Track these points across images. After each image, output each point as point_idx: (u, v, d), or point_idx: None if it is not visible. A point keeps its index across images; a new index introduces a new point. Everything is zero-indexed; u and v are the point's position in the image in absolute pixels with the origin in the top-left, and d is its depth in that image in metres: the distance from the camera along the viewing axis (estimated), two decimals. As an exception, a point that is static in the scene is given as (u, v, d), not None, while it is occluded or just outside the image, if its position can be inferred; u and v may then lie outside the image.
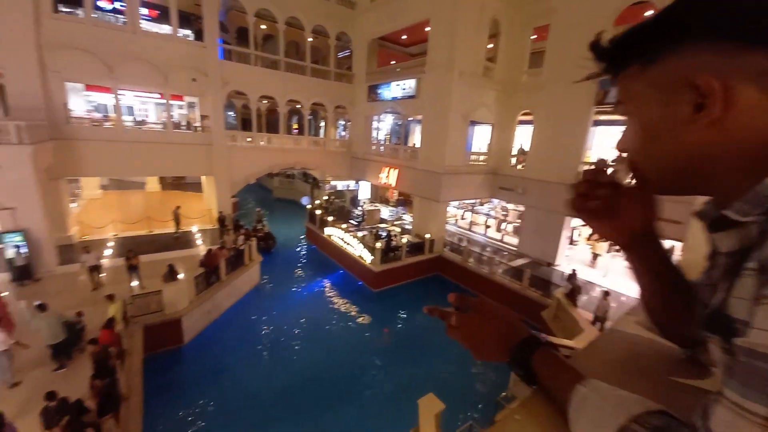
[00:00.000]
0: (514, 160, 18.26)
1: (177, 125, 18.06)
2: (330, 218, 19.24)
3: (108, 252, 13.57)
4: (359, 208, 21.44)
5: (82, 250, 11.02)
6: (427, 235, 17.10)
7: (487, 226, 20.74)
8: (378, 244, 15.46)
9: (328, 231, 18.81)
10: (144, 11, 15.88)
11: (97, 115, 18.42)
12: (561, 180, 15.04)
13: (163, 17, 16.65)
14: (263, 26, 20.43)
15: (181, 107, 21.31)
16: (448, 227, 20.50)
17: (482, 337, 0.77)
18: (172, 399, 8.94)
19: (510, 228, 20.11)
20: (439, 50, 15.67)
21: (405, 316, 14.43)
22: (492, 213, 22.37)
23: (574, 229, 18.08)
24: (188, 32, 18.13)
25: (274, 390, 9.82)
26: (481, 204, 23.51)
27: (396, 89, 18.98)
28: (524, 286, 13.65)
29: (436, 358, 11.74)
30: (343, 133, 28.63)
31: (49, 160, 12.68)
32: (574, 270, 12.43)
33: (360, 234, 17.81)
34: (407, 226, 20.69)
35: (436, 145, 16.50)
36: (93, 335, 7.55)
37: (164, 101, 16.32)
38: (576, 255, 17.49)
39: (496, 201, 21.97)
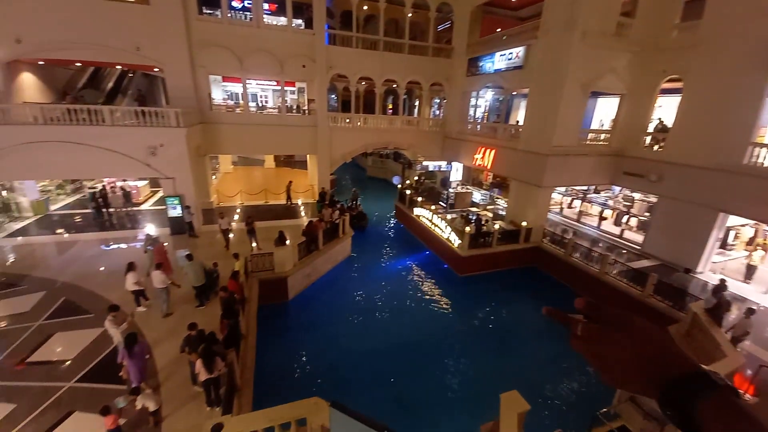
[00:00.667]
0: (648, 140, 14.89)
1: (289, 109, 20.20)
2: (419, 199, 19.20)
3: (235, 217, 16.39)
4: (450, 190, 20.79)
5: (219, 216, 13.36)
6: (524, 223, 15.58)
7: (602, 218, 17.72)
8: (467, 229, 14.81)
9: (417, 211, 18.86)
10: (265, 6, 17.81)
11: (231, 103, 21.90)
12: (716, 165, 11.72)
13: (280, 10, 18.44)
14: (365, 7, 20.80)
15: (292, 92, 23.72)
16: (551, 216, 18.30)
17: (620, 360, 0.64)
18: (278, 343, 10.51)
19: (633, 222, 16.79)
20: (558, 7, 13.47)
21: (491, 306, 13.68)
22: (609, 203, 18.99)
23: (730, 229, 14.05)
24: (300, 21, 19.72)
25: (359, 350, 10.67)
26: (597, 192, 20.16)
27: (500, 60, 17.26)
28: (647, 293, 11.34)
29: (523, 356, 10.88)
30: (437, 112, 27.81)
31: (198, 140, 15.71)
32: (722, 280, 9.74)
33: (449, 216, 17.34)
34: (501, 212, 19.24)
35: (544, 123, 14.58)
36: (224, 283, 9.29)
37: (279, 88, 18.42)
38: (727, 263, 13.66)
39: (617, 189, 18.53)
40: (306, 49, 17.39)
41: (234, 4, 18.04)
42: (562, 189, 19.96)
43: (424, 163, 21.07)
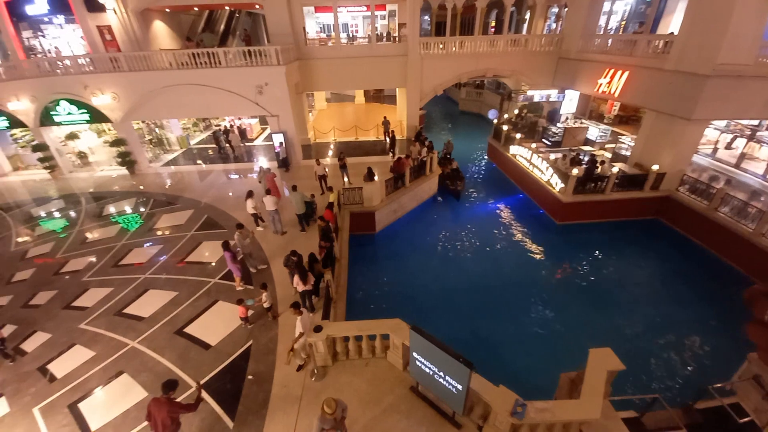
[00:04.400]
0: None
1: (379, 37, 19.07)
2: (518, 135, 17.05)
3: (329, 153, 17.37)
4: (558, 124, 17.80)
5: (316, 162, 13.15)
6: (655, 167, 12.63)
7: (778, 163, 13.15)
8: (575, 171, 12.78)
9: (513, 150, 16.95)
10: None
11: (323, 36, 21.73)
12: None
13: None
14: None
15: (383, 18, 22.10)
16: (696, 158, 14.38)
17: None
18: (366, 268, 11.56)
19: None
20: None
21: (594, 258, 12.16)
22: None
23: None
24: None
25: (440, 286, 11.02)
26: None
27: (657, -61, 12.55)
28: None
29: (627, 316, 9.67)
30: (552, 26, 22.81)
31: (296, 77, 16.36)
32: None
33: (552, 156, 15.12)
34: (624, 152, 15.88)
35: (708, 31, 10.61)
36: (321, 213, 10.27)
37: (369, 13, 17.27)
38: None
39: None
40: None
41: None
42: (722, 123, 15.14)
43: (529, 92, 18.14)
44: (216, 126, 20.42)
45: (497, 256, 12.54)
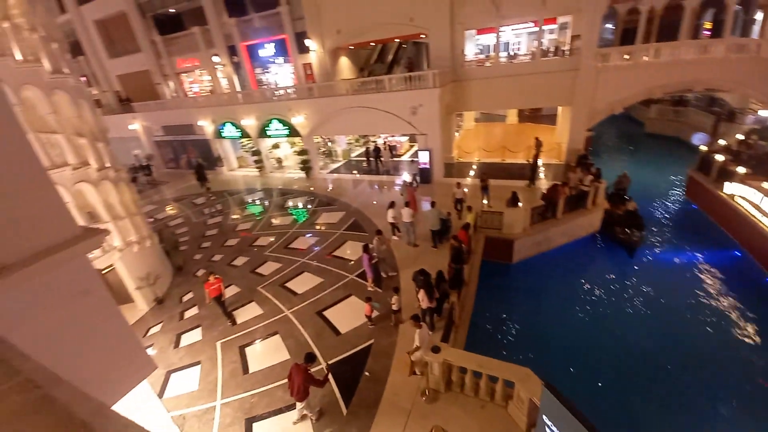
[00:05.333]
0: None
1: (545, 53, 17.62)
2: (741, 170, 12.40)
3: (471, 173, 17.00)
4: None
5: (456, 185, 12.71)
6: None
7: None
8: None
9: (731, 188, 12.43)
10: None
11: (481, 56, 21.70)
12: None
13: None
14: None
15: (551, 31, 20.37)
16: None
17: None
18: (495, 299, 10.57)
19: None
20: None
21: None
22: None
23: None
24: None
25: (581, 336, 9.08)
26: None
27: None
28: None
29: None
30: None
31: (448, 98, 16.87)
32: None
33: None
34: None
35: None
36: (455, 233, 10.04)
37: (537, 29, 16.20)
38: None
39: None
40: None
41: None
42: None
43: (762, 113, 13.03)
44: (372, 142, 23.14)
45: (688, 325, 9.33)
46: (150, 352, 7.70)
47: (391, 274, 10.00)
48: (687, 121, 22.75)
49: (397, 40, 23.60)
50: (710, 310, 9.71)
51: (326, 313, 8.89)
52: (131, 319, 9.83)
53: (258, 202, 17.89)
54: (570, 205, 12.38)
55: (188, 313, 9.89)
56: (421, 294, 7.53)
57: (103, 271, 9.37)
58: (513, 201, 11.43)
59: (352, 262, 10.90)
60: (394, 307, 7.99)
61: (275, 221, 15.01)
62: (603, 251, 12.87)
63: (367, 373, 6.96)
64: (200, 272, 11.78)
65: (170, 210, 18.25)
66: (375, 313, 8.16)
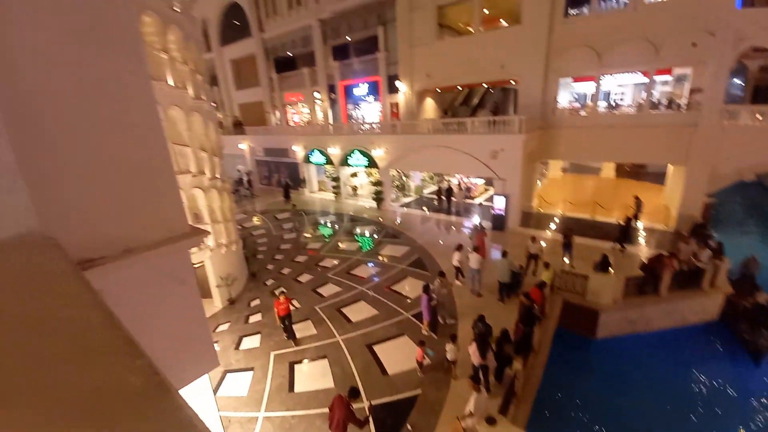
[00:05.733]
0: None
1: (655, 105, 15.87)
2: None
3: (552, 226, 15.56)
4: None
5: (530, 239, 11.49)
6: None
7: None
8: None
9: None
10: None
11: (576, 105, 20.53)
12: None
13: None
14: None
15: (664, 83, 18.43)
16: None
17: None
18: (569, 376, 9.01)
19: None
20: None
21: None
22: None
23: None
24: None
25: None
26: None
27: None
28: None
29: None
30: None
31: (534, 145, 16.10)
32: None
33: None
34: None
35: None
36: (527, 289, 9.07)
37: (646, 80, 14.81)
38: None
39: None
40: (700, 20, 12.63)
41: (608, -7, 16.22)
42: None
43: None
44: (446, 181, 23.06)
45: None
46: (216, 347, 8.32)
47: (450, 321, 9.35)
48: None
49: (485, 85, 23.85)
50: None
51: (376, 348, 8.60)
52: (207, 314, 10.84)
53: (329, 224, 18.91)
54: (679, 282, 10.30)
55: (252, 318, 10.55)
56: (473, 348, 6.81)
57: (195, 266, 10.69)
58: (602, 265, 9.95)
59: (410, 300, 10.54)
60: (449, 357, 7.36)
61: (342, 245, 15.57)
62: (718, 348, 10.21)
63: (409, 427, 6.38)
64: (269, 281, 12.65)
65: (256, 221, 20.37)
66: (427, 361, 7.60)
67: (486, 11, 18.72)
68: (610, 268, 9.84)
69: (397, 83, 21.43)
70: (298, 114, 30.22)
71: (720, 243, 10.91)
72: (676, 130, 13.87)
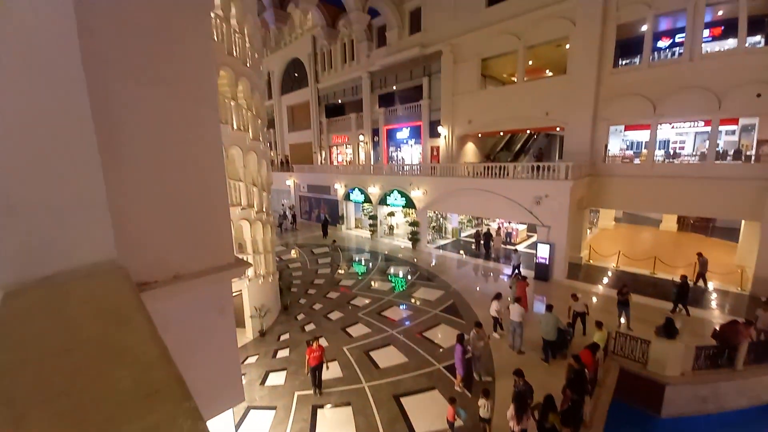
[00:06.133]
0: None
1: (720, 155, 14.67)
2: None
3: (605, 280, 14.23)
4: None
5: (572, 297, 10.40)
6: None
7: None
8: None
9: None
10: (705, 33, 14.13)
11: (629, 152, 19.56)
12: None
13: (727, 32, 13.96)
14: None
15: (729, 133, 17.11)
16: None
17: None
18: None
19: None
20: None
21: None
22: None
23: None
24: (758, 38, 13.86)
25: None
26: None
27: None
28: None
29: None
30: None
31: (582, 193, 15.36)
32: None
33: None
34: None
35: None
36: (577, 351, 8.14)
37: (708, 129, 13.86)
38: None
39: None
40: (765, 71, 11.83)
41: (660, 44, 16.00)
42: None
43: None
44: (486, 225, 22.46)
45: None
46: (243, 380, 8.27)
47: (486, 378, 8.55)
48: None
49: (528, 131, 23.79)
50: None
51: (404, 400, 8.00)
52: (238, 344, 10.98)
53: (363, 262, 18.92)
54: (757, 355, 8.70)
55: (281, 353, 10.46)
56: (511, 410, 6.09)
57: (234, 294, 11.08)
58: (667, 329, 8.72)
59: (442, 350, 9.89)
60: (482, 414, 6.64)
61: (375, 284, 15.38)
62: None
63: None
64: (300, 316, 12.65)
65: (293, 254, 21.01)
66: (458, 422, 6.88)
67: (530, 63, 19.22)
68: (676, 335, 8.60)
69: (439, 128, 22.11)
70: (342, 154, 32.01)
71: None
72: (746, 182, 12.55)
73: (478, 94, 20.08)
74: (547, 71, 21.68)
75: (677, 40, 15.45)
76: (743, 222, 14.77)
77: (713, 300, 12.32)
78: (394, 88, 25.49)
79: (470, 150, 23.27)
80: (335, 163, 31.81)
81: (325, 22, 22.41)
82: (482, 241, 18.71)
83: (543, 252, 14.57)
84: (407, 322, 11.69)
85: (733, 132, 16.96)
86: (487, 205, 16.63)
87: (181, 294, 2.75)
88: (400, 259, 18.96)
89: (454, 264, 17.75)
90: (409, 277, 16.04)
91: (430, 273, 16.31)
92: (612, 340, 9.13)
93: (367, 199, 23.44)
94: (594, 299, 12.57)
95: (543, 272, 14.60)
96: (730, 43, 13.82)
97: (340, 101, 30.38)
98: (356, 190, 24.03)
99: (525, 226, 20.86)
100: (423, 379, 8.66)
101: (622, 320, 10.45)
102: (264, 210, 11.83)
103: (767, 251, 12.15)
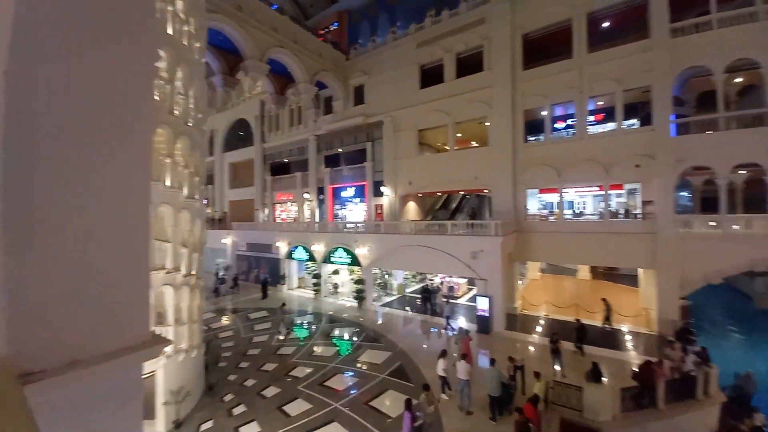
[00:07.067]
0: None
1: (614, 214, 17.57)
2: None
3: (538, 329, 15.09)
4: None
5: (508, 359, 10.50)
6: None
7: None
8: None
9: None
10: (590, 118, 17.86)
11: (544, 212, 22.42)
12: None
13: (608, 117, 17.83)
14: (739, 79, 15.65)
15: (619, 196, 20.76)
16: None
17: None
18: None
19: None
20: None
21: None
22: None
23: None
24: (633, 121, 17.92)
25: None
26: None
27: None
28: None
29: None
30: None
31: (511, 247, 16.87)
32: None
33: None
34: None
35: None
36: (519, 404, 8.20)
37: (602, 193, 16.76)
38: None
39: None
40: (641, 147, 15.14)
41: (557, 125, 19.65)
42: None
43: None
44: (429, 281, 22.97)
45: None
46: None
47: (436, 448, 8.04)
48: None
49: (462, 192, 26.24)
50: None
51: (348, 489, 7.05)
52: (144, 440, 8.97)
53: (306, 325, 17.68)
54: (673, 393, 9.61)
55: (200, 448, 8.75)
56: None
57: (145, 376, 9.32)
58: (594, 374, 9.35)
59: (390, 420, 9.20)
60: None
61: (317, 350, 14.27)
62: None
63: None
64: (228, 396, 10.96)
65: (225, 320, 18.88)
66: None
67: (459, 135, 22.01)
68: (603, 378, 9.22)
69: (382, 188, 23.32)
70: (285, 212, 31.47)
71: (704, 348, 10.66)
72: (637, 237, 15.05)
73: (416, 159, 22.05)
74: (473, 143, 24.92)
75: (570, 123, 19.18)
76: (640, 270, 17.30)
77: (628, 341, 13.66)
78: (340, 150, 26.84)
79: (412, 208, 24.65)
80: (278, 220, 31.02)
81: (274, 90, 23.59)
82: (427, 296, 18.91)
83: (483, 304, 15.18)
84: (353, 391, 10.81)
85: (620, 195, 20.65)
86: (430, 260, 17.26)
87: (76, 382, 2.23)
88: (345, 319, 18.12)
89: (400, 322, 17.47)
90: (355, 338, 15.26)
91: (376, 333, 15.74)
92: (550, 390, 9.42)
93: (311, 258, 22.80)
94: (531, 348, 13.12)
95: (484, 325, 15.04)
96: (611, 126, 17.51)
97: (285, 160, 30.82)
98: (300, 248, 23.37)
99: (465, 280, 21.78)
100: (369, 458, 7.82)
101: (557, 368, 10.95)
102: (193, 273, 10.76)
103: (664, 295, 14.21)
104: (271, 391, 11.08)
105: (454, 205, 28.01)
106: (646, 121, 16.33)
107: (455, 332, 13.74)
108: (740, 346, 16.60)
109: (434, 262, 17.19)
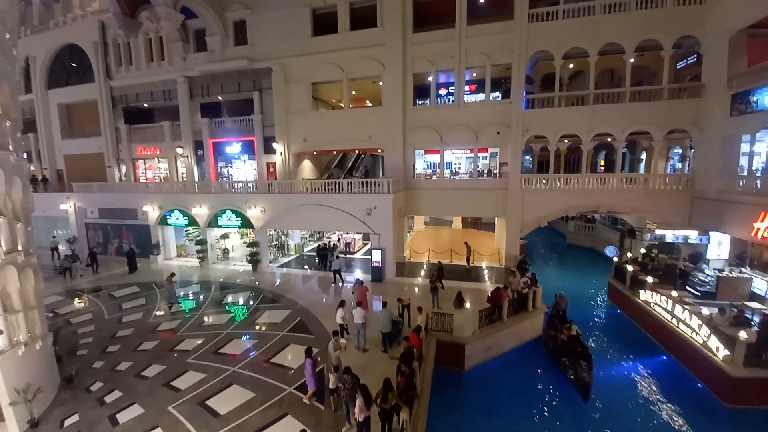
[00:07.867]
0: None
1: (480, 173, 20.86)
2: (650, 279, 14.38)
3: (422, 273, 17.52)
4: (707, 271, 14.51)
5: (398, 300, 11.98)
6: None
7: None
8: (743, 334, 9.53)
9: (645, 296, 14.09)
10: (466, 87, 20.06)
11: (429, 171, 24.92)
12: None
13: (480, 88, 20.32)
14: (571, 65, 19.79)
15: (485, 158, 24.55)
16: None
17: None
18: (448, 414, 9.68)
19: None
20: None
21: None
22: None
23: None
24: (497, 94, 20.92)
25: None
26: None
27: (800, 87, 11.67)
28: None
29: None
30: (677, 166, 21.30)
31: (401, 203, 18.46)
32: None
33: (705, 311, 11.82)
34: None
35: None
36: (406, 335, 9.68)
37: (472, 155, 19.59)
38: None
39: None
40: (501, 117, 18.00)
41: (440, 92, 21.40)
42: None
43: (658, 232, 15.95)
44: (327, 238, 23.42)
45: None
46: None
47: (339, 385, 8.91)
48: (598, 235, 26.82)
49: (357, 151, 26.64)
50: (648, 412, 9.67)
51: (252, 441, 7.32)
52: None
53: (192, 296, 16.11)
54: (514, 308, 12.93)
55: (64, 446, 7.52)
56: (359, 403, 6.76)
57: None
58: (458, 301, 11.68)
59: (293, 371, 9.66)
60: (331, 385, 7.81)
61: (208, 320, 13.38)
62: (547, 355, 12.90)
63: None
64: (96, 385, 9.48)
65: (78, 303, 15.55)
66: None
67: (354, 92, 21.69)
68: (467, 305, 11.60)
69: (274, 145, 21.65)
70: (151, 169, 26.32)
71: (533, 274, 14.40)
72: (495, 192, 18.47)
73: (311, 114, 21.00)
74: (368, 102, 25.07)
75: (451, 90, 21.10)
76: (497, 218, 21.46)
77: (485, 274, 17.27)
78: (220, 98, 23.30)
79: (307, 167, 23.90)
80: (143, 179, 25.81)
81: (119, 9, 18.15)
82: (325, 253, 19.40)
83: (377, 257, 16.57)
84: (252, 353, 10.75)
85: (485, 158, 24.52)
86: (327, 218, 17.52)
87: None
88: (239, 284, 17.22)
89: (299, 281, 17.64)
90: (251, 302, 14.82)
91: (274, 294, 15.59)
92: (429, 320, 11.37)
93: (192, 222, 20.21)
94: (416, 290, 15.28)
95: (378, 274, 16.58)
96: (481, 96, 20.03)
97: (146, 105, 25.14)
98: (176, 211, 20.33)
99: (361, 236, 23.07)
100: (273, 410, 8.16)
101: (435, 303, 13.16)
102: (20, 249, 8.34)
103: (511, 237, 18.16)
104: (153, 370, 10.04)
105: (349, 164, 28.34)
106: (506, 94, 19.31)
107: (351, 284, 14.76)
108: (557, 272, 22.93)
109: (331, 220, 17.55)
